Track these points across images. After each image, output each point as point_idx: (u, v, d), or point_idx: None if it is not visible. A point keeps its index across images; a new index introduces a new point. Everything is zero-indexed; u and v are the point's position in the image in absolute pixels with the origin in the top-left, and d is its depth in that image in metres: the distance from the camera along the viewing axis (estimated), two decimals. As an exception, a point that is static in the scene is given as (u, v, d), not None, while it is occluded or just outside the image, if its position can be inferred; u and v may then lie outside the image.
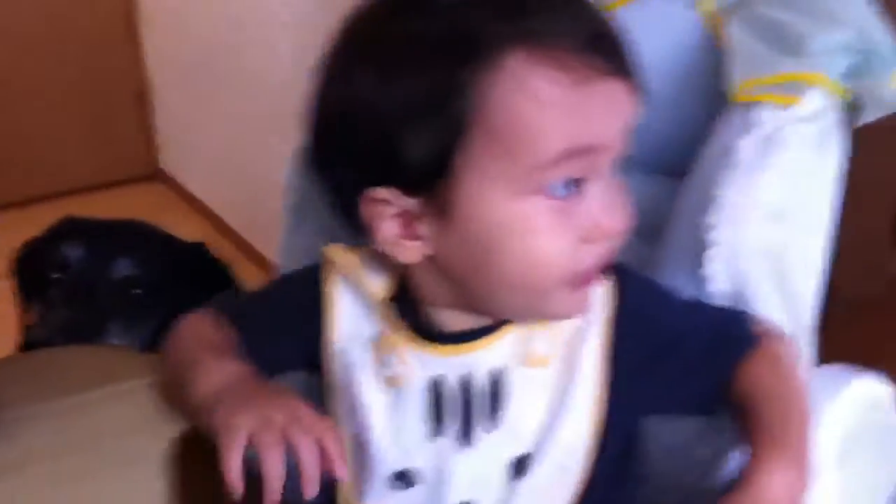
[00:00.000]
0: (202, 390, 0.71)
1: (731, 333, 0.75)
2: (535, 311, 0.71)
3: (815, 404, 0.87)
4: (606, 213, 0.67)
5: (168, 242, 1.45)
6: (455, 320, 0.73)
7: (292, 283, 0.82)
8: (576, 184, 0.66)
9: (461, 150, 0.64)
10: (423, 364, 0.72)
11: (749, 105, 0.79)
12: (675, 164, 0.87)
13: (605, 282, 0.73)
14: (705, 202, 0.78)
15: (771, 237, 0.77)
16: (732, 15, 0.85)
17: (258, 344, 0.78)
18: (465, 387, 0.72)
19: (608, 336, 0.72)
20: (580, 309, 0.71)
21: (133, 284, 1.31)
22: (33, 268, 1.33)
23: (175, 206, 3.79)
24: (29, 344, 1.26)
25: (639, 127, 0.90)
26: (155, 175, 4.03)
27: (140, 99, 3.95)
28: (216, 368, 0.73)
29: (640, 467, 0.80)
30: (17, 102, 3.75)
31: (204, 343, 0.77)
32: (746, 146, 0.77)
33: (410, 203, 0.67)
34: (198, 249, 1.46)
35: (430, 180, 0.66)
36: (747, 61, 0.81)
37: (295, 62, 2.54)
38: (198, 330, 0.80)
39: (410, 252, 0.70)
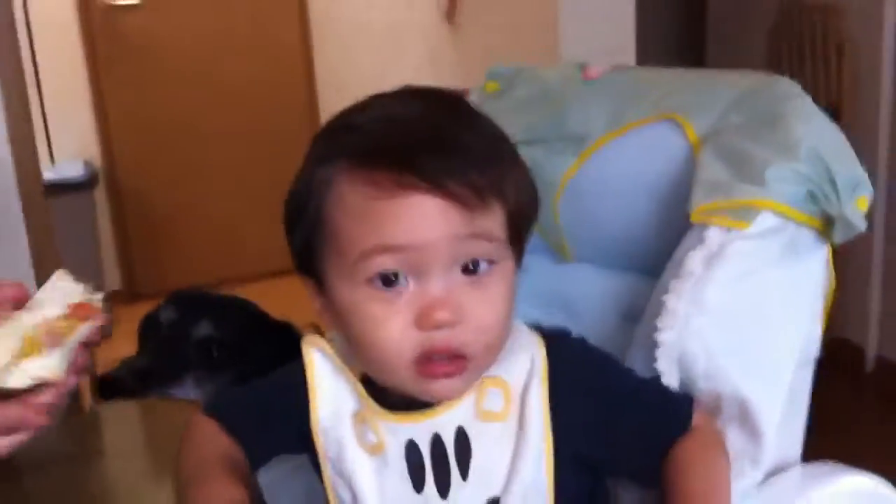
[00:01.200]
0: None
1: (672, 411, 0.85)
2: (403, 389, 0.81)
3: (803, 497, 0.95)
4: (431, 303, 0.76)
5: (259, 318, 1.66)
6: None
7: (279, 374, 0.94)
8: (394, 278, 0.76)
9: (318, 245, 0.80)
10: (394, 432, 0.83)
11: (705, 225, 0.89)
12: (660, 267, 0.96)
13: (538, 344, 0.85)
14: (658, 307, 0.88)
15: (712, 341, 0.87)
16: (708, 142, 0.95)
17: (254, 432, 0.91)
18: (436, 446, 0.82)
19: (545, 393, 0.83)
20: (438, 390, 0.79)
21: (211, 344, 1.53)
22: (141, 331, 1.59)
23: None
24: (102, 377, 1.48)
25: (630, 234, 1.02)
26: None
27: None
28: (216, 495, 0.83)
29: None
30: (213, 196, 4.09)
31: (212, 458, 0.88)
32: (693, 259, 0.88)
33: (311, 284, 0.83)
34: (285, 328, 1.65)
35: (309, 268, 0.82)
36: (708, 186, 0.91)
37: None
38: (209, 438, 0.92)
39: (328, 325, 0.84)
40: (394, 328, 0.77)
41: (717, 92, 1.01)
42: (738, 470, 0.87)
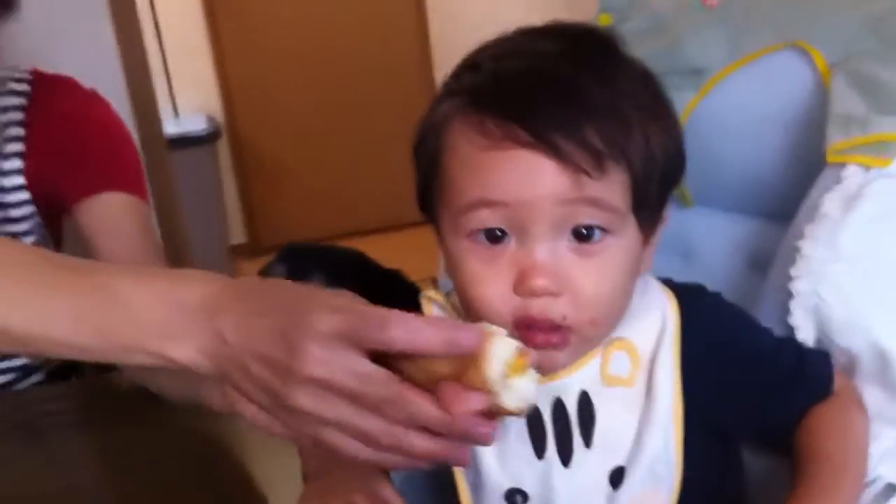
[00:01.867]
0: (309, 463, 0.83)
1: (810, 374, 0.78)
2: None
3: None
4: (530, 268, 0.71)
5: (370, 268, 1.64)
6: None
7: None
8: (499, 233, 0.72)
9: (433, 188, 0.77)
10: None
11: (842, 164, 0.81)
12: (793, 210, 0.89)
13: (670, 303, 0.79)
14: (792, 254, 0.81)
15: (851, 289, 0.79)
16: (839, 70, 0.86)
17: None
18: (558, 411, 0.78)
19: (677, 355, 0.77)
20: (539, 361, 0.67)
21: None
22: None
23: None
24: None
25: (756, 175, 0.95)
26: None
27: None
28: None
29: (735, 489, 0.84)
30: (331, 150, 4.15)
31: None
32: (830, 202, 0.80)
33: (435, 228, 0.79)
34: (396, 277, 1.63)
35: (428, 212, 0.79)
36: (842, 121, 0.82)
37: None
38: None
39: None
40: (493, 289, 0.73)
41: (845, 16, 0.92)
42: (875, 431, 0.79)
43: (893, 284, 0.80)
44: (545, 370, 0.74)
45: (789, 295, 0.81)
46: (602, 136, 0.70)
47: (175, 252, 2.07)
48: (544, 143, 0.69)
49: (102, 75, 1.36)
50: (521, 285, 0.72)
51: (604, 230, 0.72)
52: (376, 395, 0.60)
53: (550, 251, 0.72)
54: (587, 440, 0.77)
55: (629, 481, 0.77)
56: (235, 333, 0.63)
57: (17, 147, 1.21)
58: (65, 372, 1.35)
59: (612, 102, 0.72)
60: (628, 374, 0.78)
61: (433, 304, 0.84)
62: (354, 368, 0.60)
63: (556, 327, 0.73)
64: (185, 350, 0.66)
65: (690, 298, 0.80)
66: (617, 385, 0.78)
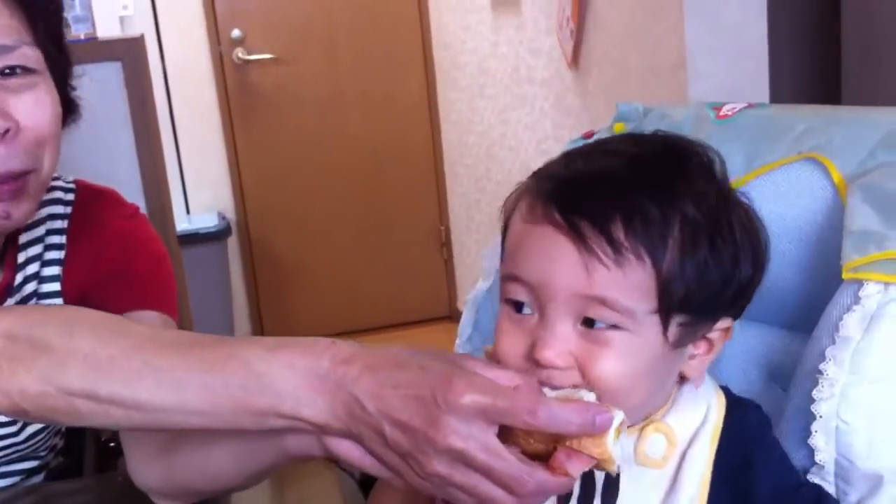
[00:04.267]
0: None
1: None
2: None
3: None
4: (540, 341, 0.75)
5: None
6: None
7: None
8: (520, 305, 0.77)
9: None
10: None
11: (860, 281, 0.81)
12: (811, 322, 0.88)
13: (718, 402, 0.81)
14: (814, 375, 0.80)
15: (875, 412, 0.78)
16: (855, 185, 0.86)
17: None
18: (586, 478, 0.79)
19: (712, 450, 0.79)
20: None
21: None
22: None
23: (468, 345, 4.02)
24: None
25: (773, 286, 0.95)
26: (452, 316, 4.29)
27: (444, 246, 4.26)
28: None
29: None
30: (339, 247, 4.18)
31: None
32: (850, 323, 0.79)
33: None
34: None
35: None
36: (858, 237, 0.82)
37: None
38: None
39: None
40: (512, 351, 0.77)
41: (861, 130, 0.93)
42: None
43: None
44: None
45: (811, 416, 0.80)
46: (629, 233, 0.73)
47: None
48: (570, 224, 0.73)
49: (120, 176, 1.39)
50: (531, 353, 0.76)
51: (610, 325, 0.75)
52: (506, 471, 0.67)
53: (563, 330, 0.75)
54: None
55: None
56: (373, 402, 0.69)
57: (59, 255, 1.22)
58: (64, 474, 1.34)
59: (659, 206, 0.74)
60: (661, 455, 0.79)
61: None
62: (489, 444, 0.67)
63: None
64: (319, 412, 0.71)
65: (740, 406, 0.82)
66: (648, 466, 0.79)
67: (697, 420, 0.80)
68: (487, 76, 3.39)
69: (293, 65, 3.98)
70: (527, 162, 3.05)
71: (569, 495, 0.80)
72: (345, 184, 4.13)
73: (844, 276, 0.82)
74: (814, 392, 0.79)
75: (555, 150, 2.89)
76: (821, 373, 0.79)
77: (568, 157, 0.82)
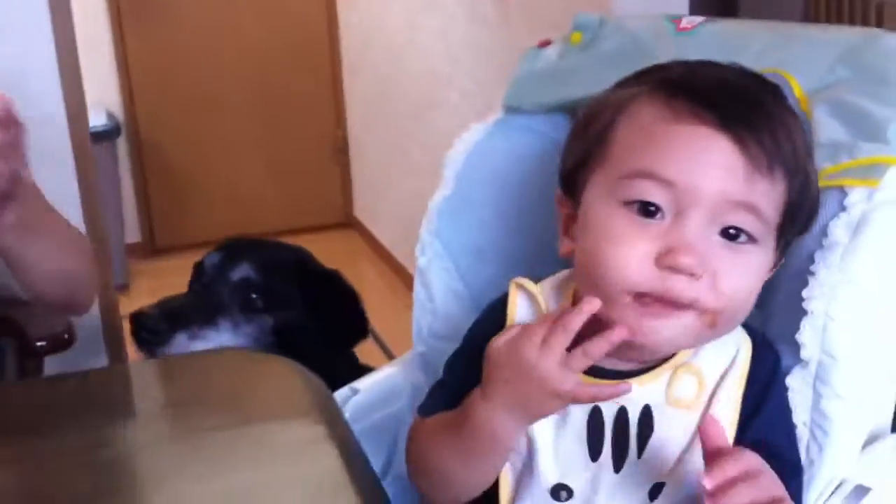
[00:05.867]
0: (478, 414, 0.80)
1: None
2: (614, 316, 0.77)
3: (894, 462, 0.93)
4: (681, 245, 0.74)
5: (304, 265, 1.63)
6: (614, 361, 0.81)
7: (481, 322, 0.90)
8: (651, 210, 0.75)
9: (591, 159, 0.81)
10: None
11: (842, 188, 0.86)
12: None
13: (745, 342, 0.83)
14: (803, 277, 0.85)
15: (859, 310, 0.84)
16: (819, 99, 0.91)
17: (466, 391, 0.83)
18: (620, 420, 0.81)
19: (740, 393, 0.81)
20: (641, 330, 0.76)
21: (249, 287, 1.50)
22: (191, 276, 1.59)
23: (365, 253, 4.03)
24: (133, 313, 1.49)
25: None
26: (349, 223, 4.27)
27: (340, 152, 4.22)
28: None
29: None
30: (232, 151, 4.10)
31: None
32: (838, 228, 0.85)
33: (569, 204, 0.84)
34: (331, 276, 1.63)
35: (571, 187, 0.83)
36: (830, 148, 0.88)
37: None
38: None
39: (563, 247, 0.84)
40: (634, 252, 0.75)
41: (818, 47, 0.98)
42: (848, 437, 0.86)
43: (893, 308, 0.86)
44: (655, 339, 0.77)
45: (799, 314, 0.84)
46: (776, 147, 0.75)
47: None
48: (728, 128, 0.74)
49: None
50: (665, 258, 0.74)
51: (750, 236, 0.76)
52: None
53: (706, 236, 0.75)
54: (640, 451, 0.80)
55: (665, 495, 0.80)
56: None
57: None
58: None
59: (789, 125, 0.78)
60: (692, 397, 0.81)
61: (520, 293, 0.86)
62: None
63: (679, 306, 0.75)
64: None
65: (763, 347, 0.84)
66: (679, 407, 0.81)
67: (726, 362, 0.82)
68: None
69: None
70: (436, 69, 3.03)
71: (601, 442, 0.81)
72: (239, 87, 4.03)
73: (821, 183, 0.86)
74: (804, 291, 0.84)
75: (466, 58, 2.88)
76: (812, 273, 0.84)
77: (686, 65, 0.82)
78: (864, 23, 2.86)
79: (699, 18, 1.08)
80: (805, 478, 0.85)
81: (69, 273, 1.15)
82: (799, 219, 0.81)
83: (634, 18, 1.15)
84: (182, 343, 1.48)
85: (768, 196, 0.76)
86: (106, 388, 1.02)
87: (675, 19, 1.09)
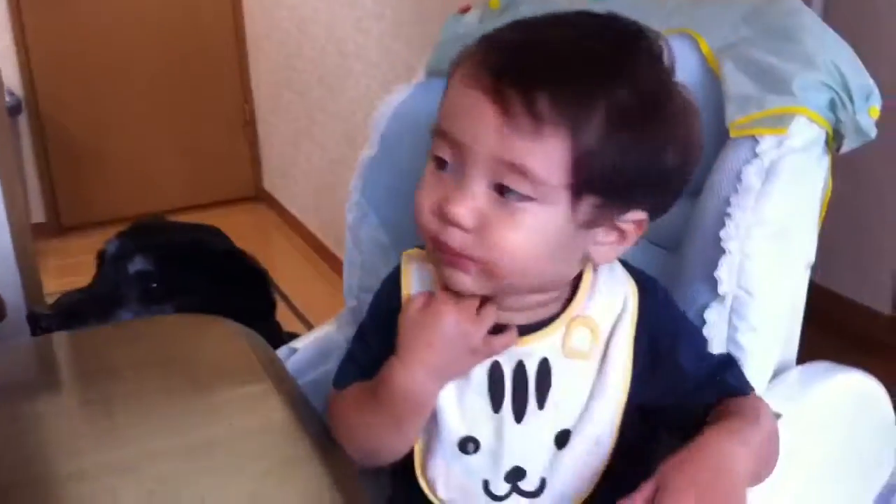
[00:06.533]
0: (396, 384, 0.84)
1: (728, 381, 0.87)
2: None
3: (802, 394, 1.01)
4: (450, 196, 0.77)
5: (205, 248, 1.64)
6: (510, 316, 0.85)
7: (380, 295, 0.93)
8: (443, 163, 0.79)
9: None
10: None
11: (754, 137, 0.92)
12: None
13: (632, 288, 0.87)
14: (720, 219, 0.92)
15: (771, 248, 0.91)
16: (726, 56, 0.98)
17: (377, 361, 0.86)
18: (518, 373, 0.84)
19: (631, 336, 0.85)
20: (450, 278, 0.80)
21: (148, 278, 1.52)
22: (97, 264, 1.59)
23: (275, 224, 4.03)
24: (28, 314, 1.49)
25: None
26: (259, 196, 4.26)
27: (247, 125, 4.20)
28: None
29: (655, 462, 0.92)
30: (137, 128, 4.04)
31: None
32: (752, 174, 0.91)
33: None
34: (233, 255, 1.64)
35: None
36: (740, 100, 0.94)
37: (386, 91, 2.73)
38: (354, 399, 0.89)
39: None
40: (426, 202, 0.79)
41: (724, 8, 1.04)
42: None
43: (801, 242, 0.95)
44: (459, 289, 0.81)
45: (716, 253, 0.91)
46: (553, 105, 0.74)
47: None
48: (497, 88, 0.74)
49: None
50: (439, 207, 0.78)
51: (522, 195, 0.76)
52: None
53: (476, 190, 0.77)
54: (541, 402, 0.84)
55: (573, 443, 0.85)
56: None
57: None
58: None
59: (590, 84, 0.75)
60: (587, 348, 0.85)
61: (413, 263, 0.89)
62: None
63: (454, 254, 0.78)
64: None
65: (648, 288, 0.87)
66: (576, 357, 0.84)
67: (616, 309, 0.85)
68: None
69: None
70: (343, 39, 3.05)
71: (502, 394, 0.84)
72: (143, 63, 3.97)
73: (733, 133, 0.93)
74: (721, 232, 0.91)
75: (374, 28, 2.89)
76: (728, 215, 0.91)
77: (516, 24, 0.82)
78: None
79: (612, -16, 1.13)
80: None
81: None
82: (615, 177, 0.77)
83: (551, -18, 1.20)
84: None
85: (537, 157, 0.75)
86: (52, 356, 1.04)
87: (590, -17, 1.14)
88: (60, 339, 1.17)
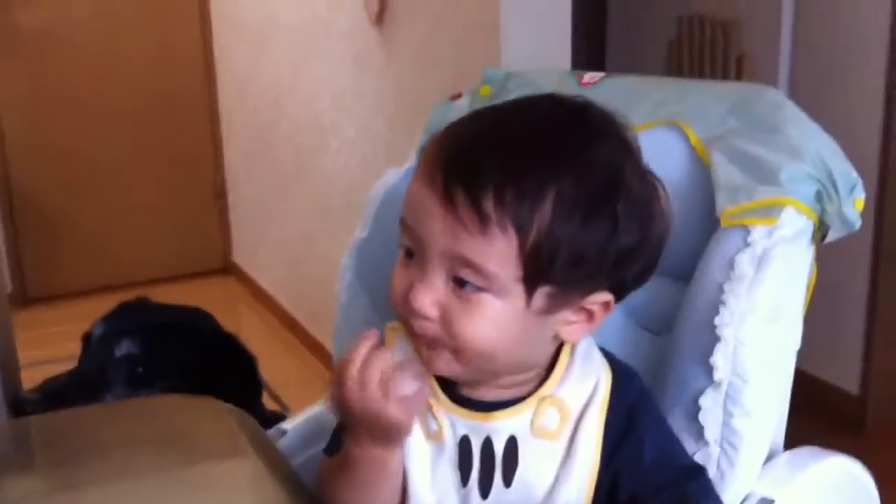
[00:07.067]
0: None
1: (689, 492, 0.86)
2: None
3: (792, 478, 1.02)
4: (415, 287, 0.81)
5: (193, 331, 1.64)
6: (482, 392, 0.87)
7: None
8: (411, 252, 0.82)
9: None
10: (453, 424, 0.87)
11: (745, 227, 0.95)
12: (678, 269, 1.02)
13: (606, 373, 0.88)
14: (712, 304, 0.94)
15: (764, 335, 0.93)
16: (714, 147, 1.01)
17: None
18: (486, 449, 0.86)
19: (601, 420, 0.86)
20: (424, 361, 0.84)
21: (134, 362, 1.52)
22: (82, 346, 1.58)
23: (242, 297, 4.01)
24: (12, 400, 1.47)
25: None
26: (227, 269, 4.24)
27: (218, 198, 4.20)
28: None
29: None
30: (106, 199, 4.03)
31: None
32: (745, 262, 0.93)
33: None
34: (223, 339, 1.64)
35: None
36: (730, 190, 0.97)
37: (363, 168, 2.76)
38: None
39: None
40: (398, 290, 0.83)
41: (711, 100, 1.07)
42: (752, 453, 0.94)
43: (791, 328, 0.97)
44: (430, 369, 0.84)
45: (711, 338, 0.93)
46: (498, 203, 0.77)
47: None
48: (447, 192, 0.78)
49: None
50: (406, 297, 0.81)
51: (480, 288, 0.79)
52: None
53: (435, 282, 0.80)
54: (507, 481, 0.85)
55: None
56: None
57: None
58: None
59: (533, 181, 0.77)
60: (556, 428, 0.86)
61: (396, 335, 0.90)
62: None
63: (428, 341, 0.82)
64: None
65: (624, 375, 0.89)
66: (544, 437, 0.85)
67: (588, 392, 0.86)
68: (276, 27, 3.36)
69: (63, 8, 3.78)
70: (320, 115, 3.08)
71: (470, 468, 0.86)
72: (114, 134, 3.98)
73: (724, 223, 0.96)
74: (716, 319, 0.92)
75: (354, 106, 2.93)
76: (723, 303, 0.93)
77: (476, 115, 0.86)
78: (724, 74, 3.07)
79: (599, 74, 1.17)
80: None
81: None
82: (567, 267, 0.79)
83: (538, 72, 1.23)
84: None
85: (487, 253, 0.77)
86: (46, 434, 1.02)
87: (578, 74, 1.18)
88: (43, 420, 1.16)
